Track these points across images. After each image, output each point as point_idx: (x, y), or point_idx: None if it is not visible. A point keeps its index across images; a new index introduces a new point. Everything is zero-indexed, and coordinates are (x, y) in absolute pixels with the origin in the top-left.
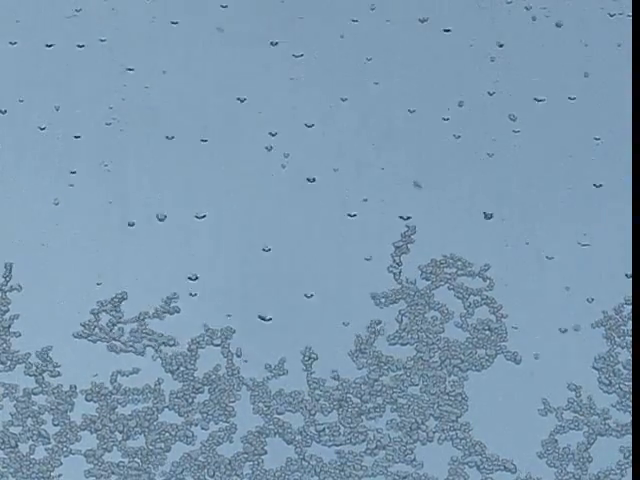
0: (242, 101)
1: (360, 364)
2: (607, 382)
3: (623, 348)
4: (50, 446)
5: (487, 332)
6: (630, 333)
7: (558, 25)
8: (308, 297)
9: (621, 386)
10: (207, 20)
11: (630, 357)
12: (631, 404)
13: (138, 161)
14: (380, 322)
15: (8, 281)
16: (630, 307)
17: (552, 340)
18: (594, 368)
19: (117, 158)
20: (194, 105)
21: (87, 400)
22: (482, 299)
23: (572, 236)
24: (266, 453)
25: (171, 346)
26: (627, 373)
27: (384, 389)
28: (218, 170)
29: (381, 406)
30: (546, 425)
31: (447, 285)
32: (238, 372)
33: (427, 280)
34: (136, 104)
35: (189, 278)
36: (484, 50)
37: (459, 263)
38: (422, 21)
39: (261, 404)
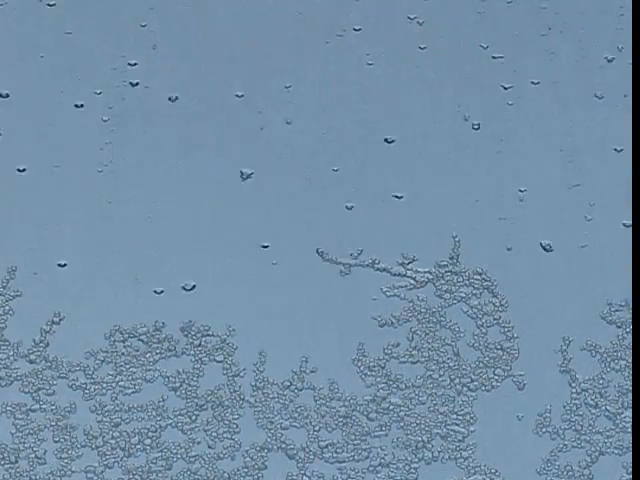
0: (240, 97)
1: (369, 382)
2: (593, 404)
3: (617, 372)
4: (50, 463)
5: (499, 352)
6: (626, 357)
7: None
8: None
9: (607, 407)
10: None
11: (624, 380)
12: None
13: (138, 161)
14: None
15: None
16: (630, 335)
17: (552, 359)
18: (582, 390)
19: (117, 158)
20: (194, 105)
21: (91, 411)
22: (494, 319)
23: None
24: (266, 468)
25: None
26: (615, 395)
27: (391, 407)
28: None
29: (387, 424)
30: (548, 444)
31: (462, 305)
32: (240, 388)
33: (440, 298)
34: (136, 104)
35: (184, 288)
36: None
37: (476, 283)
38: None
39: (265, 420)
